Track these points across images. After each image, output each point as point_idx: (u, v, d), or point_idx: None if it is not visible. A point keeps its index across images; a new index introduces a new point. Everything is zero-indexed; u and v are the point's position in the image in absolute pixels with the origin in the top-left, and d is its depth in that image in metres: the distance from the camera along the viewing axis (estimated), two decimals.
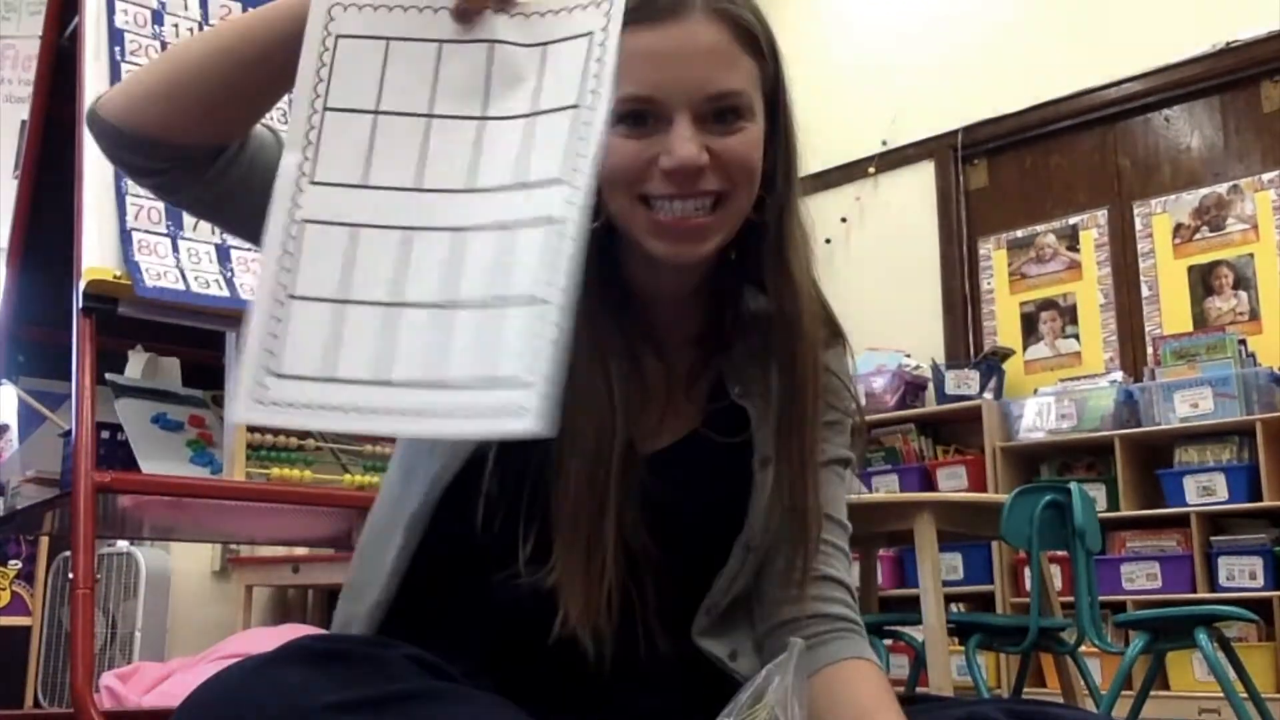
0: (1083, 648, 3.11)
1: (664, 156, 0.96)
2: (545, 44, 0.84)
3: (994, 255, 5.21)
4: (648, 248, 1.01)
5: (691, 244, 1.00)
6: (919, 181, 5.40)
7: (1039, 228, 5.11)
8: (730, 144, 0.98)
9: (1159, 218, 4.81)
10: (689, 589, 1.03)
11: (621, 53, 0.90)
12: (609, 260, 1.05)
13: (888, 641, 3.05)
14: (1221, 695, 3.01)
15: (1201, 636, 2.86)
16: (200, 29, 2.38)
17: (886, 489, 4.83)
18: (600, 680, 0.97)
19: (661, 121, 0.97)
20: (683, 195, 0.97)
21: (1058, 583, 3.71)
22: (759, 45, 1.01)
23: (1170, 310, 4.71)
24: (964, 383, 4.84)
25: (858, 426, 1.15)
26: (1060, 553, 3.29)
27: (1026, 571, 4.18)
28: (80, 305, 2.03)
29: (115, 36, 2.23)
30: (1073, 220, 5.03)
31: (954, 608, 4.49)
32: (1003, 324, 5.16)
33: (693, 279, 1.08)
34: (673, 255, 1.00)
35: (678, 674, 1.02)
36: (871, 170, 5.44)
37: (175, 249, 2.13)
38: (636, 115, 0.97)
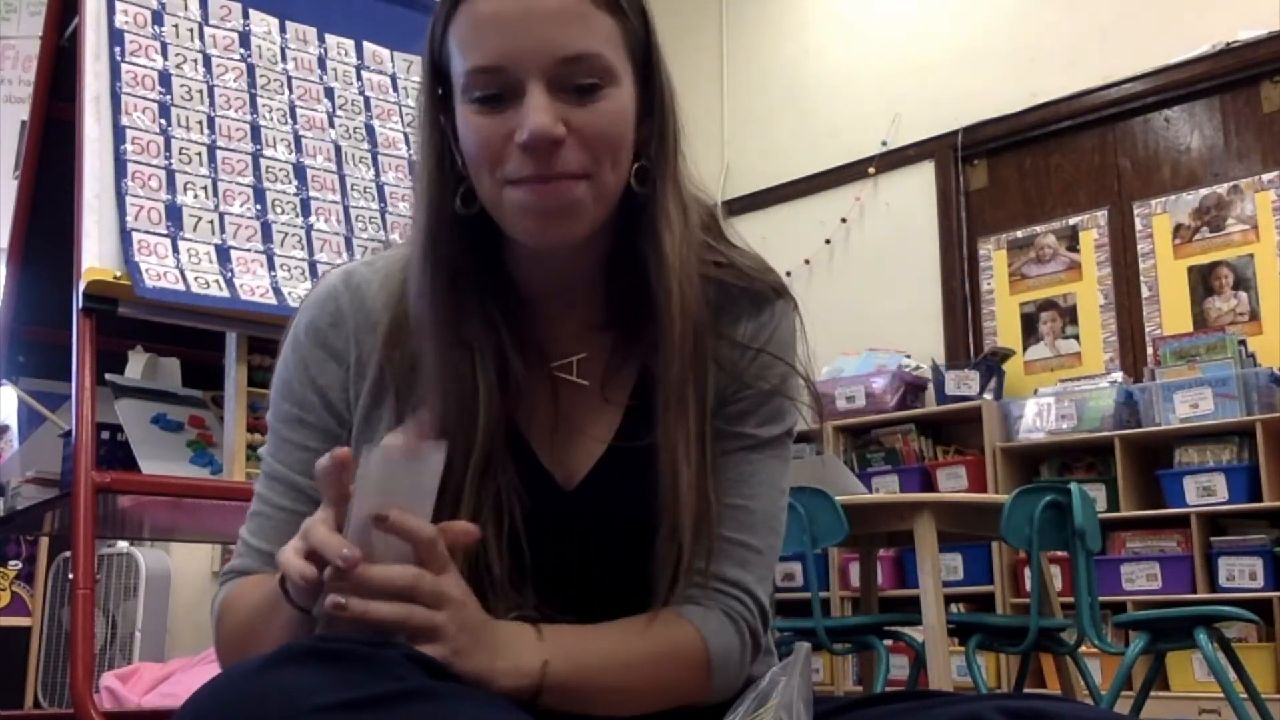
0: (1083, 648, 3.11)
1: (519, 131, 0.89)
2: None
3: (994, 256, 5.21)
4: (517, 232, 0.94)
5: (561, 223, 0.92)
6: (919, 182, 5.39)
7: (1039, 228, 5.11)
8: (591, 117, 0.90)
9: (1159, 218, 4.80)
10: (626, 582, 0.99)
11: (468, 22, 0.89)
12: (491, 255, 0.99)
13: (888, 642, 3.04)
14: (1221, 696, 3.00)
15: (1201, 637, 2.85)
16: (200, 29, 2.37)
17: (886, 489, 4.83)
18: None
19: (516, 94, 0.90)
20: (543, 178, 0.90)
21: (1058, 583, 3.70)
22: (617, 1, 0.93)
23: (1170, 310, 4.71)
24: (964, 383, 4.84)
25: (807, 403, 1.05)
26: (1060, 553, 3.29)
27: (1026, 572, 4.18)
28: (80, 305, 2.03)
29: (115, 36, 2.23)
30: (1073, 220, 5.03)
31: (954, 608, 4.49)
32: (1003, 324, 5.15)
33: (581, 264, 1.00)
34: (543, 238, 0.93)
35: None
36: (871, 170, 5.43)
37: (175, 249, 2.12)
38: (492, 93, 0.90)
